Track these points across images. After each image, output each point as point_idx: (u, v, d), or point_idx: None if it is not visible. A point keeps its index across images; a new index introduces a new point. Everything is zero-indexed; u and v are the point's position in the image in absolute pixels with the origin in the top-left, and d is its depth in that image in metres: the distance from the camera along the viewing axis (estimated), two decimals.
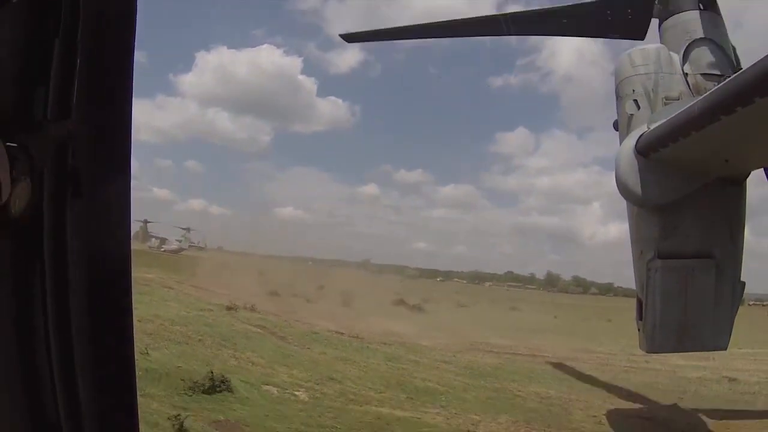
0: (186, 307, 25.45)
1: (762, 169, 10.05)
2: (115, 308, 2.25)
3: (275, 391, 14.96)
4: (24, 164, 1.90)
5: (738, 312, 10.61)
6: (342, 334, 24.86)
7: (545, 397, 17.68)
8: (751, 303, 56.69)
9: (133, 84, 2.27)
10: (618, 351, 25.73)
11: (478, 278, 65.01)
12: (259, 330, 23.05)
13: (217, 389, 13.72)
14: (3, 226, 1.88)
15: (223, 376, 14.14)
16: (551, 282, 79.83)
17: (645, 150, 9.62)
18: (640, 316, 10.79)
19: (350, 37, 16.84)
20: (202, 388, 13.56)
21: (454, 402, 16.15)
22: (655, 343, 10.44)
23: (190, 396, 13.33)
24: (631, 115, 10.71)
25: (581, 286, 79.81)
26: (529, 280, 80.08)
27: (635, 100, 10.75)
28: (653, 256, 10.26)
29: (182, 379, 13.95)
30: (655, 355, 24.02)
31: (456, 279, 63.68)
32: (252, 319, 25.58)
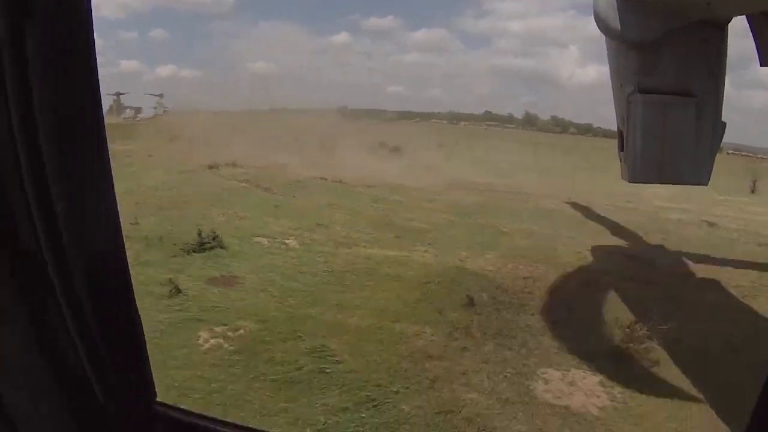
0: (168, 172, 25.21)
1: (744, 17, 9.86)
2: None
3: (266, 242, 15.36)
4: None
5: (717, 159, 10.88)
6: (326, 179, 25.11)
7: (530, 233, 18.16)
8: (729, 152, 57.37)
9: None
10: (599, 190, 26.04)
11: (455, 119, 64.19)
12: (244, 185, 23.21)
13: (209, 247, 14.08)
14: None
15: (214, 233, 14.45)
16: (530, 121, 79.05)
17: None
18: (621, 147, 11.07)
19: None
20: (194, 248, 13.92)
21: (441, 239, 16.66)
22: (636, 174, 10.73)
23: (184, 257, 13.69)
24: None
25: (560, 125, 79.32)
26: (507, 120, 79.16)
27: None
28: (633, 90, 10.36)
29: (174, 243, 14.27)
30: (635, 197, 24.81)
31: (434, 120, 62.93)
32: (236, 174, 25.65)
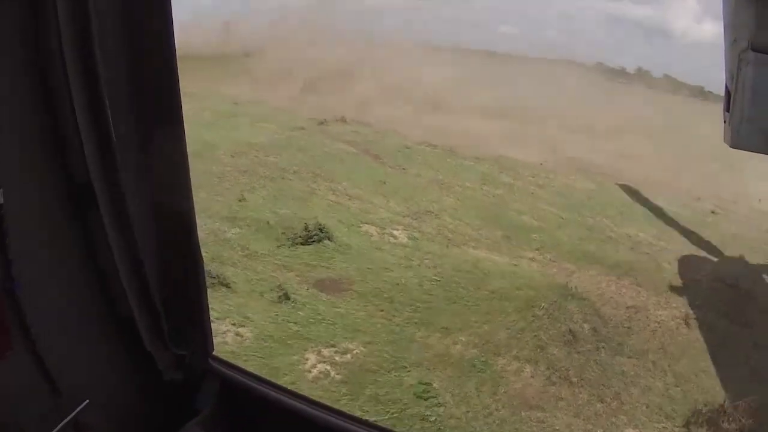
0: (278, 127, 25.21)
1: None
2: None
3: (374, 232, 15.22)
4: None
5: None
6: (435, 147, 24.54)
7: (636, 242, 17.41)
8: None
9: None
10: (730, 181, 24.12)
11: (567, 66, 62.06)
12: (353, 150, 22.89)
13: (317, 239, 14.01)
14: None
15: (319, 225, 14.35)
16: (641, 78, 76.05)
17: None
18: (727, 107, 10.35)
19: None
20: (301, 240, 13.89)
21: (549, 243, 16.14)
22: (740, 139, 10.04)
23: (291, 249, 13.71)
24: None
25: (672, 85, 76.09)
26: (618, 74, 76.31)
27: None
28: (746, 47, 9.51)
29: (282, 232, 14.28)
30: (742, 196, 23.08)
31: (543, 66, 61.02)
32: (344, 134, 25.35)
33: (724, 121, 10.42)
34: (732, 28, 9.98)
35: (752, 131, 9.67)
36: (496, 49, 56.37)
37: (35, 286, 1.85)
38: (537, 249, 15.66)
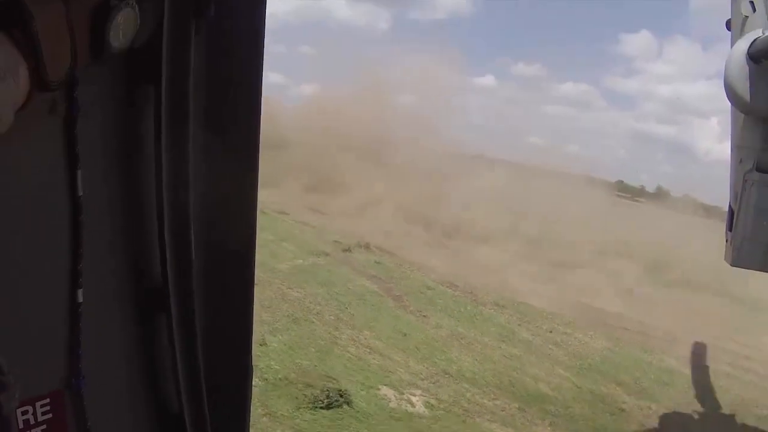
0: (301, 250, 25.61)
1: None
2: (239, 160, 2.21)
3: (392, 397, 15.20)
4: None
5: None
6: (456, 287, 24.82)
7: (647, 414, 17.08)
8: None
9: None
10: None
11: (589, 183, 62.91)
12: (376, 289, 23.12)
13: (336, 404, 14.05)
14: (109, 60, 1.73)
15: (339, 390, 14.43)
16: (660, 197, 76.63)
17: (758, 56, 9.08)
18: (730, 226, 10.50)
19: None
20: (321, 405, 13.91)
21: (562, 419, 15.96)
22: (741, 258, 10.10)
23: (310, 413, 13.72)
24: (746, 16, 9.89)
25: (691, 205, 77.10)
26: (638, 192, 76.87)
27: (751, 2, 9.90)
28: (752, 167, 9.79)
29: (302, 391, 14.30)
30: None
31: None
32: (368, 265, 25.59)
33: (726, 240, 10.61)
34: (739, 149, 10.32)
35: (754, 249, 9.87)
36: (523, 160, 57.00)
37: (96, 382, 1.94)
38: (550, 425, 15.61)
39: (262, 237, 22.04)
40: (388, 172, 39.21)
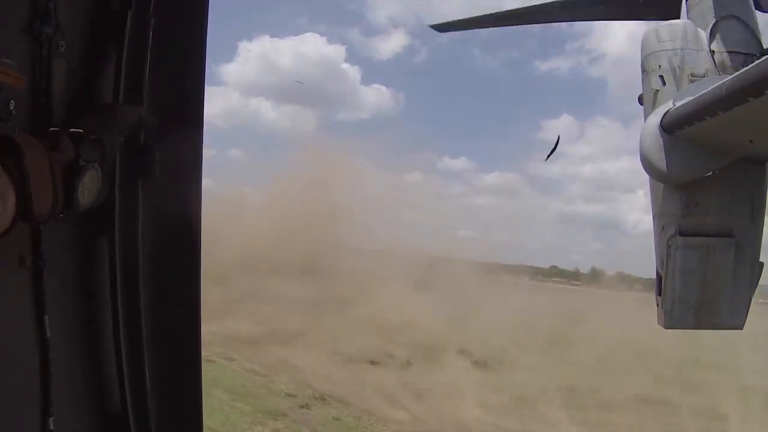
0: (257, 410, 23.63)
1: None
2: (184, 299, 2.37)
3: None
4: (92, 151, 1.84)
5: None
6: None
7: None
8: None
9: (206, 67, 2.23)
10: None
11: (523, 272, 63.21)
12: None
13: None
14: (71, 217, 1.84)
15: None
16: (596, 278, 78.87)
17: (670, 127, 9.66)
18: (659, 291, 10.74)
19: (441, 28, 16.77)
20: None
21: None
22: (673, 319, 10.36)
23: None
24: (657, 90, 10.74)
25: (625, 282, 79.07)
26: (574, 276, 78.54)
27: (661, 76, 10.80)
28: (674, 233, 10.20)
29: None
30: None
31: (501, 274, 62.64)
32: (327, 422, 24.02)
33: (657, 305, 10.73)
34: (660, 217, 10.71)
35: (684, 311, 10.11)
36: (457, 254, 57.35)
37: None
38: None
39: (213, 395, 21.21)
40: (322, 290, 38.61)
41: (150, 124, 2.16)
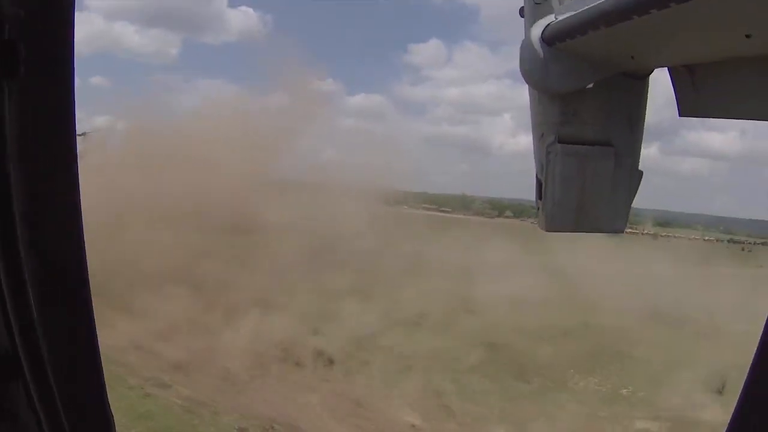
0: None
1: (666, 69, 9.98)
2: (64, 213, 2.19)
3: None
4: None
5: None
6: None
7: None
8: None
9: None
10: None
11: (392, 200, 60.46)
12: None
13: None
14: None
15: None
16: (466, 205, 79.20)
17: (551, 39, 9.67)
18: (539, 195, 10.92)
19: None
20: None
21: None
22: (554, 223, 10.67)
23: None
24: (538, 3, 10.41)
25: (496, 208, 79.73)
26: (444, 201, 77.72)
27: None
28: (554, 140, 10.35)
29: None
30: None
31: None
32: None
33: (537, 208, 10.98)
34: (539, 124, 10.78)
35: (564, 215, 10.42)
36: (311, 179, 56.10)
37: None
38: None
39: None
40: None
41: (14, 16, 1.93)
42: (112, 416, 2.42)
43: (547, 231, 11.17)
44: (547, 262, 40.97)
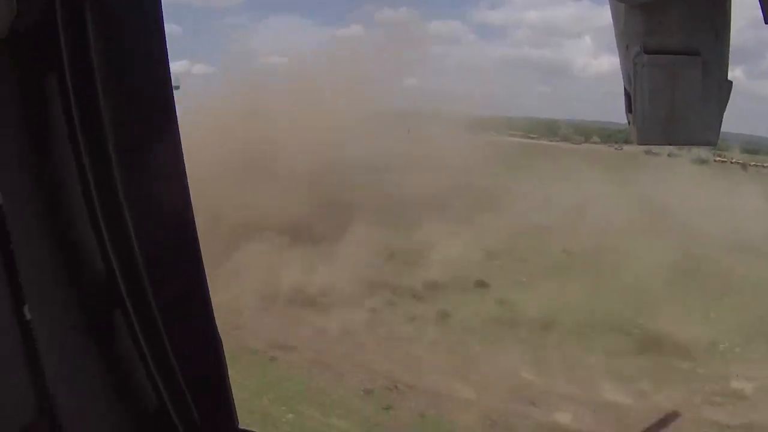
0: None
1: None
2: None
3: None
4: None
5: None
6: None
7: None
8: None
9: None
10: None
11: (477, 125, 58.02)
12: None
13: None
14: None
15: None
16: (552, 130, 77.15)
17: None
18: (629, 108, 10.69)
19: None
20: None
21: None
22: (645, 135, 10.28)
23: None
24: None
25: (582, 133, 77.31)
26: (529, 126, 75.36)
27: None
28: (639, 51, 9.98)
29: None
30: None
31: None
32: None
33: (628, 122, 10.88)
34: (623, 36, 10.53)
35: (654, 127, 10.15)
36: (403, 105, 54.80)
37: (70, 401, 1.83)
38: None
39: None
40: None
41: None
42: (218, 335, 2.40)
43: (639, 144, 11.14)
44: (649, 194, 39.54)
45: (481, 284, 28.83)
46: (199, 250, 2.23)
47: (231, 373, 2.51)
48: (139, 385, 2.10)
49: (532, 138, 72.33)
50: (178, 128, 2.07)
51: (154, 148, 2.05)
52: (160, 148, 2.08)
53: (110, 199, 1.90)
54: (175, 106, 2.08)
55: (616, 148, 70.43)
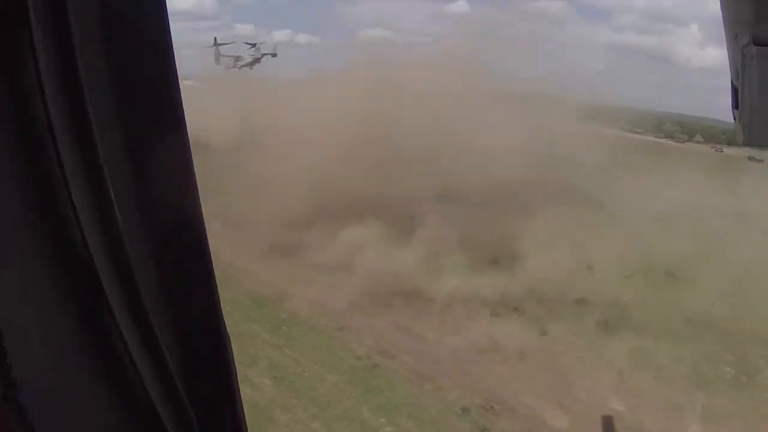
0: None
1: None
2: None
3: None
4: None
5: None
6: None
7: None
8: None
9: None
10: None
11: (588, 116, 56.89)
12: None
13: None
14: None
15: None
16: (657, 125, 75.23)
17: None
18: (735, 104, 10.22)
19: None
20: None
21: None
22: (752, 135, 8.88)
23: None
24: None
25: (686, 131, 75.04)
26: (632, 117, 73.20)
27: None
28: (748, 42, 9.53)
29: None
30: None
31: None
32: None
33: (734, 119, 10.55)
34: (731, 25, 10.22)
35: (763, 124, 9.77)
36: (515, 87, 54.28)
37: (41, 386, 1.66)
38: None
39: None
40: None
41: None
42: (226, 331, 2.21)
43: (745, 145, 10.53)
44: None
45: None
46: (207, 250, 2.08)
47: None
48: (134, 387, 1.92)
49: (638, 133, 70.69)
50: (185, 124, 1.93)
51: (158, 145, 1.92)
52: (166, 145, 1.95)
53: (108, 197, 1.76)
54: (181, 100, 1.92)
55: (716, 150, 67.78)
